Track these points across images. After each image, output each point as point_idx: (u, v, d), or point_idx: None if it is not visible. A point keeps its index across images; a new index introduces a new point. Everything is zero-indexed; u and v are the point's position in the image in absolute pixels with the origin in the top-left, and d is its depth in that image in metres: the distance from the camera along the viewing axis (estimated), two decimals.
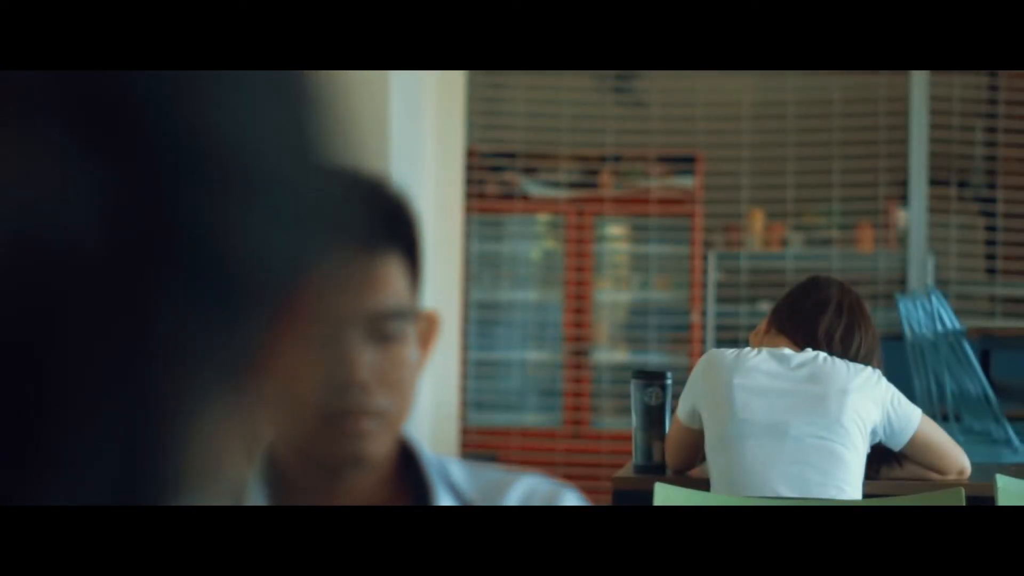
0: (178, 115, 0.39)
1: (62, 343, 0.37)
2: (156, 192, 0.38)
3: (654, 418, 3.35)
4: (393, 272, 1.22)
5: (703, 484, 3.12)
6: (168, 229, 0.38)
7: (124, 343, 0.38)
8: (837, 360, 3.10)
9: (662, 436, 3.34)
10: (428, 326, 1.27)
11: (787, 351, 3.13)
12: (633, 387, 3.38)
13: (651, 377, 3.38)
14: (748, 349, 3.15)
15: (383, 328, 1.21)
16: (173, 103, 0.39)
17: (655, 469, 3.35)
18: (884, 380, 3.10)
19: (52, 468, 0.38)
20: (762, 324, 3.34)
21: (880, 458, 3.21)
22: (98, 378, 0.38)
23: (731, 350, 3.16)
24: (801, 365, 3.09)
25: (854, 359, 3.13)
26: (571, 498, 1.26)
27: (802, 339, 3.16)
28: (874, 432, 3.09)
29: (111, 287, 0.38)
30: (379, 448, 1.22)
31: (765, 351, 3.12)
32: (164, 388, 0.39)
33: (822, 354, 3.11)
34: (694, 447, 3.24)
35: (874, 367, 3.14)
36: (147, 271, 0.38)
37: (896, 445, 3.14)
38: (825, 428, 3.03)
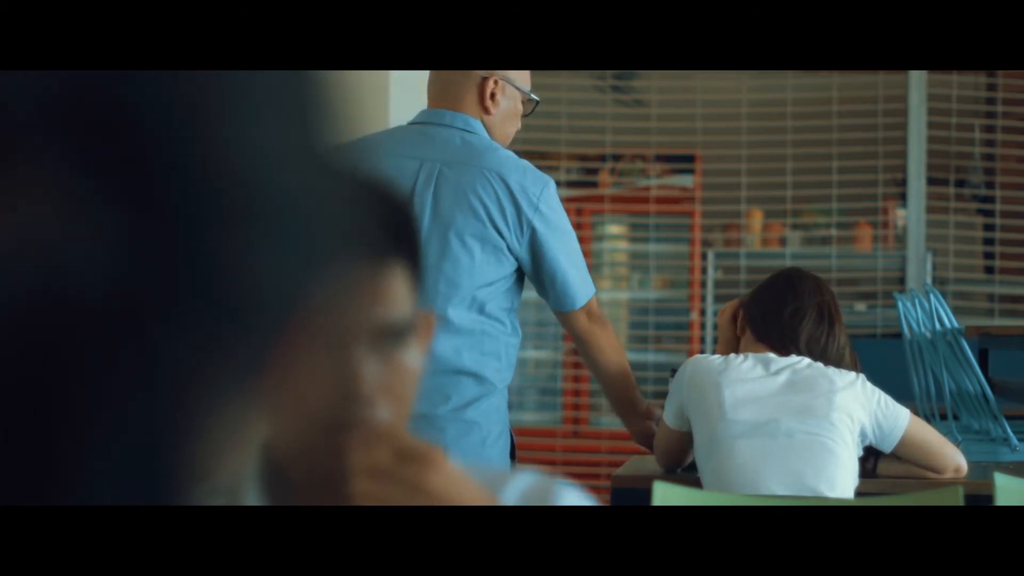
0: (182, 127, 0.38)
1: (63, 364, 0.38)
2: (161, 212, 0.38)
3: None
4: (397, 282, 1.20)
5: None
6: (174, 249, 0.38)
7: (132, 360, 0.38)
8: (821, 364, 3.17)
9: None
10: (423, 326, 1.26)
11: (771, 355, 3.18)
12: None
13: None
14: (733, 355, 3.19)
15: (387, 339, 1.20)
16: (179, 118, 0.38)
17: None
18: (869, 383, 3.15)
19: (61, 477, 0.38)
20: (734, 303, 3.36)
21: (878, 455, 3.23)
22: (104, 397, 0.38)
23: (716, 356, 3.21)
24: (787, 367, 3.15)
25: (832, 357, 3.19)
26: (569, 493, 1.26)
27: (784, 350, 3.21)
28: (863, 434, 3.12)
29: (116, 309, 0.38)
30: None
31: (751, 356, 3.17)
32: (170, 406, 0.39)
33: (806, 359, 3.17)
34: (682, 448, 3.31)
35: (850, 362, 3.19)
36: (153, 292, 0.38)
37: (887, 447, 3.16)
38: (815, 425, 3.06)
